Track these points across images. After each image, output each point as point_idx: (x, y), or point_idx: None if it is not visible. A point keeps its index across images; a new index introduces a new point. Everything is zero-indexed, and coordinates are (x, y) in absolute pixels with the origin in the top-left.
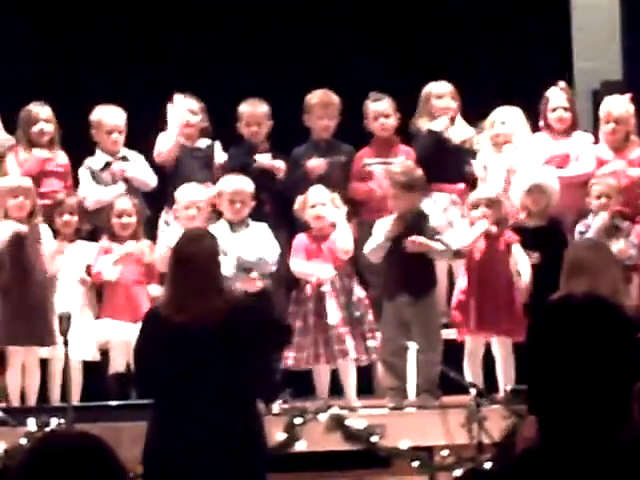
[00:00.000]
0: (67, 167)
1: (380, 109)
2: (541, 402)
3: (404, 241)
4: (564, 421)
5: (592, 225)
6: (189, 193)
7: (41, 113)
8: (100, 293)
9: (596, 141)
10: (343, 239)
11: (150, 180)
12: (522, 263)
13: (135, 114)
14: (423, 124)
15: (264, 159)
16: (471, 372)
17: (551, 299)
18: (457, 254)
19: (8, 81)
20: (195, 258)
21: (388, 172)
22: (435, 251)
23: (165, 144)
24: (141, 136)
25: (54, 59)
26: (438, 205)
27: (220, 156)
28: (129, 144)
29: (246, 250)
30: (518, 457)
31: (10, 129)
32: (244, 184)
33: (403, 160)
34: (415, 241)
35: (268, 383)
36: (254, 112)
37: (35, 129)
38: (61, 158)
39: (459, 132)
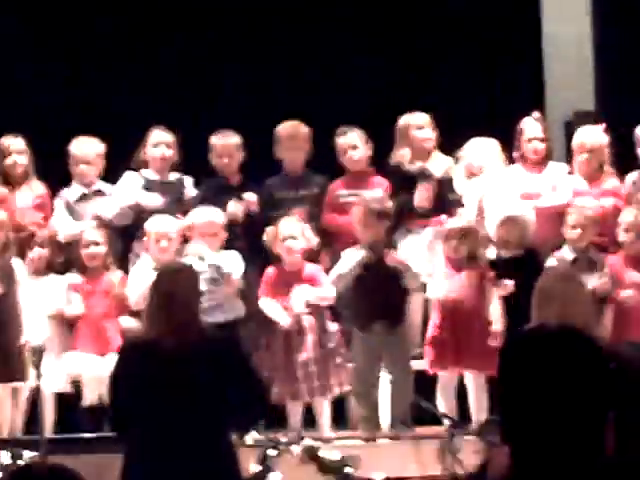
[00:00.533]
0: (45, 197)
1: (347, 142)
2: (513, 431)
3: (374, 270)
4: (536, 450)
5: (566, 257)
6: (159, 225)
7: (13, 145)
8: (72, 325)
9: (570, 171)
10: (325, 293)
11: (120, 213)
12: (494, 306)
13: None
14: (403, 157)
15: (233, 207)
16: (444, 403)
17: (523, 329)
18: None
19: None
20: (176, 292)
21: (362, 200)
22: (409, 271)
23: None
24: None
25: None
26: (423, 239)
27: (190, 191)
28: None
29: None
30: None
31: None
32: (215, 216)
33: (376, 192)
34: (394, 256)
35: (243, 415)
36: (225, 143)
37: (8, 162)
38: (37, 189)
39: (439, 164)
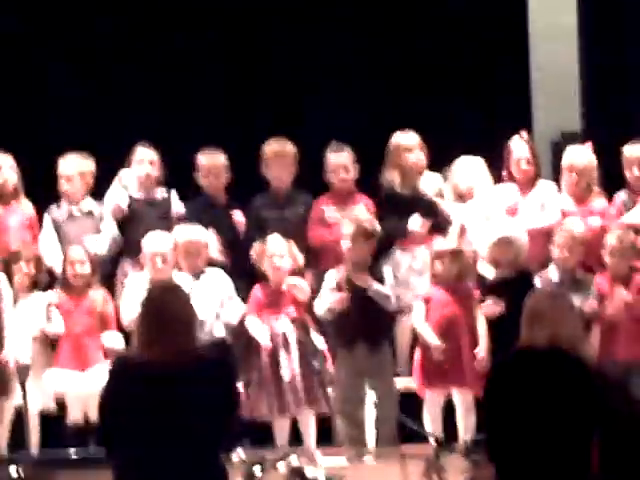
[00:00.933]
0: (33, 218)
1: (340, 161)
2: (498, 451)
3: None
4: (521, 470)
5: (552, 277)
6: (154, 244)
7: (2, 161)
8: (54, 344)
9: (558, 191)
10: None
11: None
12: (480, 329)
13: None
14: (393, 177)
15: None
16: (431, 422)
17: (510, 350)
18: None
19: None
20: (173, 307)
21: (353, 218)
22: (378, 293)
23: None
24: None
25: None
26: (418, 260)
27: (177, 205)
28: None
29: (203, 304)
30: None
31: None
32: (198, 235)
33: (361, 210)
34: (363, 278)
35: (229, 434)
36: (213, 163)
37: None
38: (26, 208)
39: (430, 184)
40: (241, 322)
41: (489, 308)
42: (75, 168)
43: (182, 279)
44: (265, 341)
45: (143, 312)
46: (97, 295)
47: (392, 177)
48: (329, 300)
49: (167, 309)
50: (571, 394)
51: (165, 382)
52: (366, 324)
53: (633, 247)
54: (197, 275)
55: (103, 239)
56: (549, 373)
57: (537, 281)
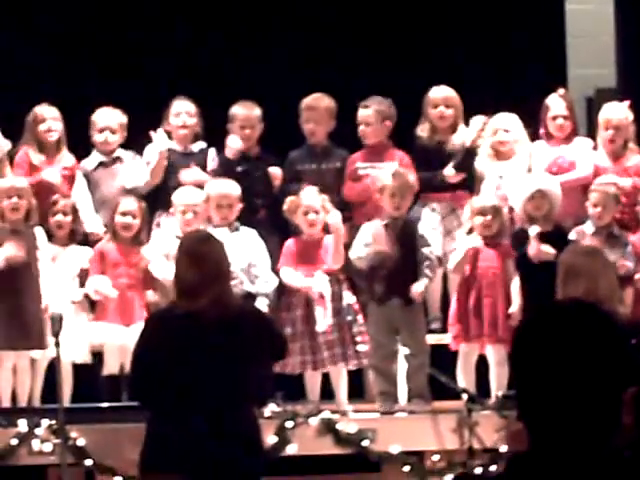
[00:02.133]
0: (73, 169)
1: (362, 116)
2: (529, 408)
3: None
4: (552, 427)
5: (587, 233)
6: (185, 197)
7: (46, 113)
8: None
9: (594, 147)
10: (335, 254)
11: (139, 183)
12: (514, 287)
13: (134, 115)
14: (422, 131)
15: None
16: (464, 377)
17: (539, 306)
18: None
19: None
20: (209, 255)
21: (395, 172)
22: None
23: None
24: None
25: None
26: (436, 213)
27: (213, 162)
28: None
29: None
30: (507, 463)
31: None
32: (230, 188)
33: (394, 165)
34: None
35: (265, 388)
36: (249, 115)
37: (42, 127)
38: (67, 160)
39: (460, 138)
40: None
41: (543, 252)
42: (116, 120)
43: (215, 233)
44: (306, 283)
45: (181, 261)
46: (144, 250)
47: (422, 130)
48: (366, 251)
49: (206, 258)
50: (598, 349)
51: (205, 331)
52: (400, 279)
53: None
54: (231, 230)
55: (139, 175)
56: (576, 328)
57: (572, 236)
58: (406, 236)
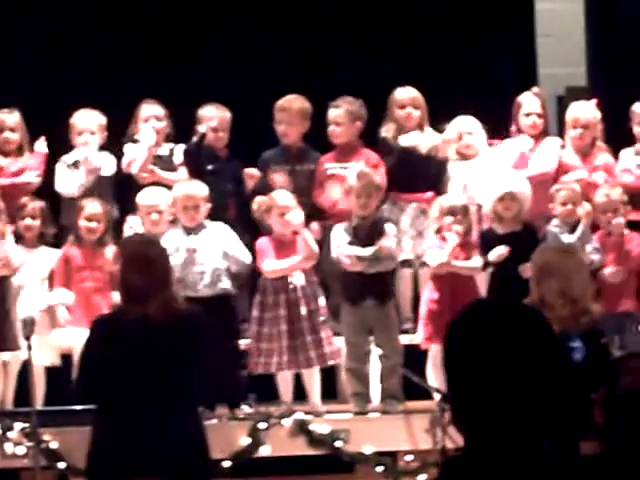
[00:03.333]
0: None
1: (331, 116)
2: (462, 409)
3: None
4: (485, 428)
5: (559, 230)
6: (149, 197)
7: (7, 120)
8: None
9: (563, 145)
10: (307, 251)
11: (104, 167)
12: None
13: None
14: (387, 131)
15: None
16: (435, 377)
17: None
18: (424, 264)
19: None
20: (153, 258)
21: (361, 173)
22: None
23: (138, 157)
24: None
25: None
26: (407, 214)
27: (179, 160)
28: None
29: (204, 255)
30: (442, 465)
31: None
32: (196, 189)
33: (360, 165)
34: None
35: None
36: (223, 118)
37: (1, 137)
38: (31, 160)
39: (426, 140)
40: (250, 275)
41: (496, 253)
42: (95, 122)
43: (177, 234)
44: (291, 262)
45: (127, 266)
46: (109, 252)
47: (387, 131)
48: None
49: (153, 262)
50: (527, 347)
51: (155, 334)
52: (374, 279)
53: (623, 202)
54: (197, 230)
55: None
56: (505, 326)
57: (551, 235)
58: (375, 235)
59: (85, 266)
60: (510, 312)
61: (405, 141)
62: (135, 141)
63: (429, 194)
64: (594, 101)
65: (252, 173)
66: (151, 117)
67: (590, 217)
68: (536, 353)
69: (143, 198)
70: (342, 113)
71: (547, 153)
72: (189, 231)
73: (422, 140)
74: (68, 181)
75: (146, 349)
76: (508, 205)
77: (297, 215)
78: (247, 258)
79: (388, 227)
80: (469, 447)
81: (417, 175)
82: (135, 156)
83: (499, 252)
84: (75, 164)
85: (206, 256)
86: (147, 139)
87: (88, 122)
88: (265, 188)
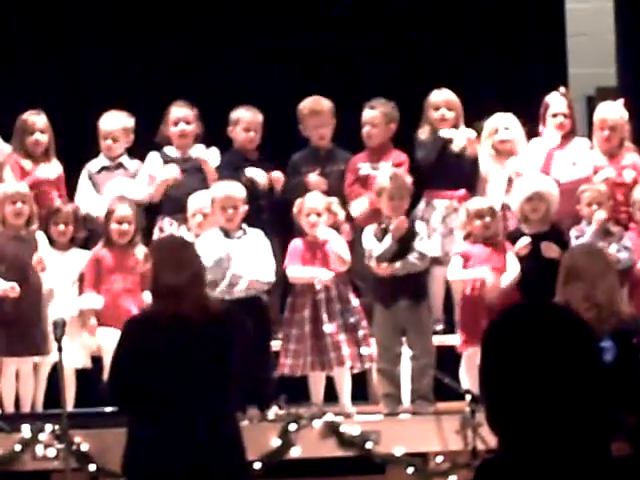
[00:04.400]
0: (60, 177)
1: (366, 118)
2: (498, 412)
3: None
4: (522, 432)
5: (587, 231)
6: (196, 201)
7: (37, 123)
8: None
9: (591, 147)
10: (340, 251)
11: (138, 195)
12: (511, 264)
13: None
14: (423, 133)
15: (254, 173)
16: (468, 379)
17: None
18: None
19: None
20: (187, 257)
21: (392, 174)
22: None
23: (155, 183)
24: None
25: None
26: (438, 212)
27: (214, 162)
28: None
29: (240, 261)
30: (477, 468)
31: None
32: (235, 190)
33: (388, 165)
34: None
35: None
36: (254, 119)
37: (31, 139)
38: (55, 168)
39: (460, 138)
40: (281, 278)
41: (519, 245)
42: (120, 125)
43: (216, 235)
44: (313, 273)
45: (161, 265)
46: (140, 253)
47: (423, 133)
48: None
49: (187, 262)
50: (566, 352)
51: (190, 334)
52: (407, 280)
53: None
54: (237, 234)
55: (137, 186)
56: (544, 331)
57: (573, 234)
58: (408, 236)
59: (115, 267)
60: (549, 314)
61: (444, 134)
62: (161, 150)
63: (461, 192)
64: (621, 100)
65: (278, 177)
66: (180, 121)
67: (600, 223)
68: (575, 355)
69: (191, 202)
70: (378, 115)
71: (583, 158)
72: (228, 234)
73: (457, 136)
74: (89, 194)
75: (182, 349)
76: (536, 206)
77: (323, 230)
78: (269, 276)
79: (419, 226)
80: (506, 449)
81: (449, 172)
82: (155, 176)
83: (522, 244)
84: (101, 171)
85: (244, 261)
86: (168, 174)
87: (112, 125)
88: (296, 190)
